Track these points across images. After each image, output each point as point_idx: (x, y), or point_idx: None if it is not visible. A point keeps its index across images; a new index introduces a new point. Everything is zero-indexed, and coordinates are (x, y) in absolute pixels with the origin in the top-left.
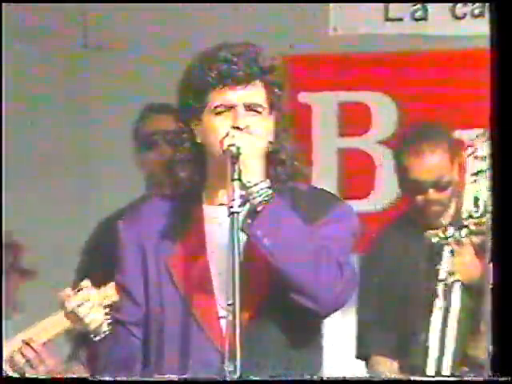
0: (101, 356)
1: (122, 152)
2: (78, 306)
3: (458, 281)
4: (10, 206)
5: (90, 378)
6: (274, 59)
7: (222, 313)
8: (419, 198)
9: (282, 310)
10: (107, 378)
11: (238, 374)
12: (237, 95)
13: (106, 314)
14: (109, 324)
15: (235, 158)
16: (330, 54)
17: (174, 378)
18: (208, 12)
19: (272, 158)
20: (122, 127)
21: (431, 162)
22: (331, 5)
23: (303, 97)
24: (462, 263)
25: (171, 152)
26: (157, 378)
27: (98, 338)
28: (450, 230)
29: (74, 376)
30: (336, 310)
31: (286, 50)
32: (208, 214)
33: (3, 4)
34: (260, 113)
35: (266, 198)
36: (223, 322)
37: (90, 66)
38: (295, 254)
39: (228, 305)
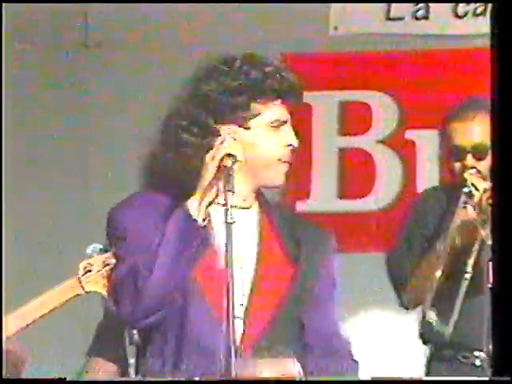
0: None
1: (122, 152)
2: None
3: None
4: (10, 207)
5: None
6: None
7: (237, 313)
8: (457, 164)
9: (296, 318)
10: (106, 379)
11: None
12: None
13: None
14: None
15: (231, 169)
16: (330, 54)
17: (174, 378)
18: (208, 12)
19: None
20: (122, 127)
21: (471, 127)
22: (331, 5)
23: (304, 96)
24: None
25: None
26: (156, 378)
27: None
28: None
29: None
30: None
31: (286, 50)
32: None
33: (3, 4)
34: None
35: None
36: (238, 322)
37: (89, 66)
38: None
39: (240, 304)
